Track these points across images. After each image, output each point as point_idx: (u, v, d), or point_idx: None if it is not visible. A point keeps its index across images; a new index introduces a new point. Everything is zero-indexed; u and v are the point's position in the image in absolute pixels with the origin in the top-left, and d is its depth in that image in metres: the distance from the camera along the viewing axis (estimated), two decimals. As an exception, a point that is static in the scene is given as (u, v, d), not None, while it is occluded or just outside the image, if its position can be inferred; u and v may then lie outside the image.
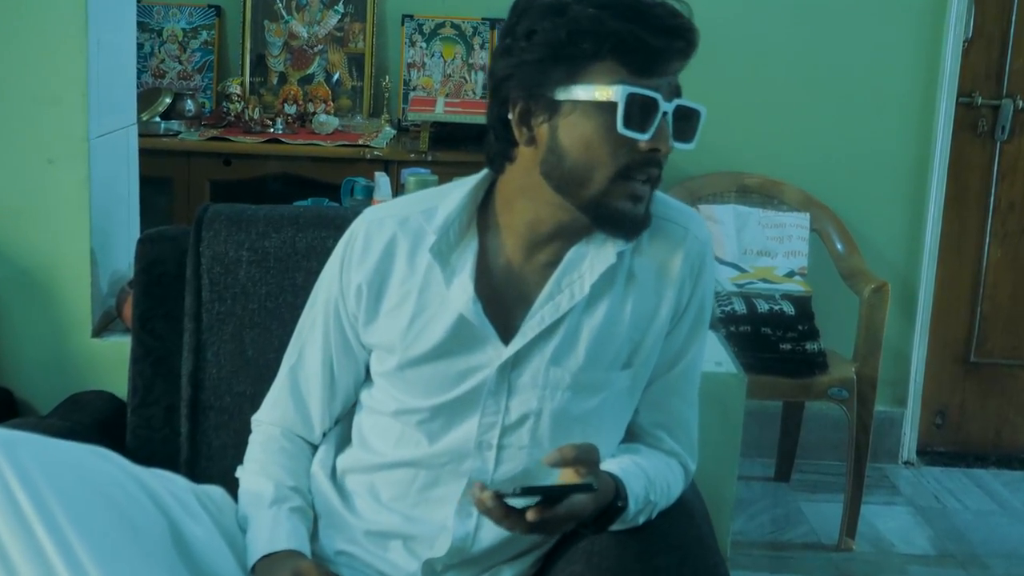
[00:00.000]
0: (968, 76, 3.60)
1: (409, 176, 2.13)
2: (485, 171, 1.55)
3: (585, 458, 1.37)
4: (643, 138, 1.39)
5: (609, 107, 1.38)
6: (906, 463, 3.74)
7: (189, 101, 3.26)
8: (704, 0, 3.64)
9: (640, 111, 1.38)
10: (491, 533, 1.51)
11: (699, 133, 1.45)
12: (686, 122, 1.43)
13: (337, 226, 1.85)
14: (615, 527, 1.46)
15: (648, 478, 1.49)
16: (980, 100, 3.62)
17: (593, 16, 1.37)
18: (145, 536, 1.37)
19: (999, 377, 3.80)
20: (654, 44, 1.37)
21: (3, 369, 2.12)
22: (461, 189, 1.54)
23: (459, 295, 1.49)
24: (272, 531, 1.52)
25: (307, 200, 2.22)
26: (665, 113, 1.39)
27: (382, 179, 2.15)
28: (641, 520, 1.49)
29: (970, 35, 3.57)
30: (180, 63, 3.45)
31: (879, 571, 3.03)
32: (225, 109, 3.30)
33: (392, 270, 1.54)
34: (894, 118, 3.60)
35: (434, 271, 1.51)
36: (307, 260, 1.84)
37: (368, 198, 2.21)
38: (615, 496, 1.42)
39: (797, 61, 3.55)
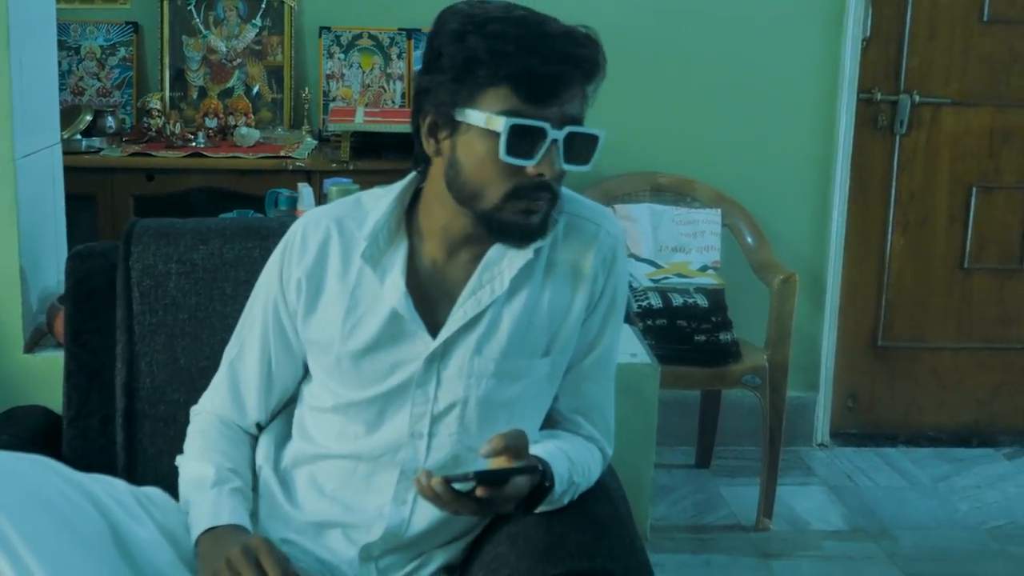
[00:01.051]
0: (868, 74, 3.73)
1: (331, 186, 2.22)
2: (411, 176, 1.65)
3: (514, 444, 1.47)
4: (529, 164, 1.49)
5: (495, 135, 1.48)
6: (820, 445, 3.87)
7: (110, 118, 3.29)
8: (616, 8, 3.78)
9: (525, 139, 1.48)
10: (424, 519, 1.61)
11: (596, 155, 1.53)
12: (582, 146, 1.52)
13: (263, 236, 1.93)
14: (542, 507, 1.56)
15: (571, 460, 1.59)
16: (879, 96, 3.76)
17: (488, 47, 1.47)
18: (87, 540, 1.44)
19: (905, 360, 3.95)
20: (546, 75, 1.47)
21: (-63, 387, 2.15)
22: (390, 194, 1.65)
23: (391, 292, 1.60)
24: (214, 508, 1.61)
25: (232, 212, 2.29)
26: (555, 140, 1.49)
27: (305, 190, 2.23)
28: (566, 500, 1.59)
29: (868, 35, 3.70)
30: (99, 80, 3.48)
31: (795, 548, 3.18)
32: (146, 125, 3.34)
33: (328, 265, 1.64)
34: (799, 116, 3.72)
35: (367, 270, 1.61)
36: (235, 270, 1.91)
37: (292, 208, 2.28)
38: (542, 477, 1.52)
39: (706, 64, 3.66)
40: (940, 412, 3.99)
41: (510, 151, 1.47)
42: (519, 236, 1.56)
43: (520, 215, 1.53)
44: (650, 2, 3.61)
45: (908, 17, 3.74)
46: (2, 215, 2.10)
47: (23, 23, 2.13)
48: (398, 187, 1.65)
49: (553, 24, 1.50)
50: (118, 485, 1.60)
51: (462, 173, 1.53)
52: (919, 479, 3.66)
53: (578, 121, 1.52)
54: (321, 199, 2.29)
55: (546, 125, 1.48)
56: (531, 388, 1.63)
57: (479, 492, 1.42)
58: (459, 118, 1.51)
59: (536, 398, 1.66)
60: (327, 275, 1.64)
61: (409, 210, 1.65)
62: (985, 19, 3.75)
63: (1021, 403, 4.00)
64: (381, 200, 1.65)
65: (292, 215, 2.26)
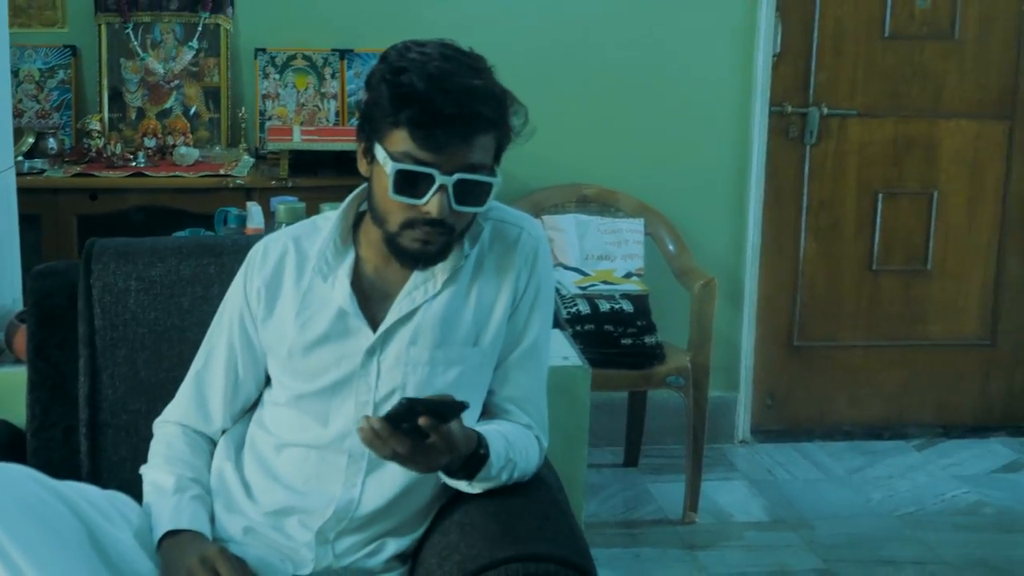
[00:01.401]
0: (779, 88, 3.89)
1: (279, 204, 2.33)
2: (355, 192, 1.83)
3: None
4: (418, 203, 1.66)
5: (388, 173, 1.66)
6: (741, 442, 4.03)
7: (51, 139, 3.35)
8: (540, 27, 3.91)
9: (412, 182, 1.65)
10: (373, 500, 1.76)
11: (491, 197, 1.70)
12: (474, 190, 1.68)
13: (216, 254, 2.05)
14: (482, 479, 1.71)
15: (507, 440, 1.75)
16: (790, 109, 3.92)
17: (392, 94, 1.65)
18: (67, 541, 1.56)
19: (820, 359, 4.11)
20: (438, 126, 1.63)
21: (-102, 405, 2.22)
22: (337, 212, 1.83)
23: (339, 294, 1.78)
24: (175, 513, 1.74)
25: (185, 231, 2.39)
26: (443, 185, 1.65)
27: (254, 208, 2.34)
28: (504, 477, 1.74)
29: (778, 51, 3.87)
30: (38, 102, 3.53)
31: (720, 539, 3.33)
32: (86, 145, 3.40)
33: (284, 275, 1.82)
34: (715, 128, 3.88)
35: (318, 279, 1.80)
36: (191, 286, 2.03)
37: (241, 226, 2.39)
38: (477, 445, 1.68)
39: (627, 81, 3.81)
40: (853, 407, 4.15)
41: (397, 191, 1.66)
42: (414, 261, 1.75)
43: (417, 243, 1.71)
44: (573, 23, 3.75)
45: (815, 34, 3.91)
46: (-37, 238, 2.19)
47: (-23, 52, 2.21)
48: (343, 205, 1.84)
49: (459, 79, 1.64)
50: (91, 490, 1.71)
51: (374, 198, 1.73)
52: (834, 471, 3.83)
53: (474, 168, 1.67)
54: (269, 217, 2.41)
55: (434, 171, 1.65)
56: (464, 376, 1.79)
57: (422, 420, 1.55)
58: (374, 151, 1.70)
59: (470, 386, 1.81)
60: (283, 283, 1.82)
61: (359, 220, 1.83)
62: (886, 35, 3.94)
63: (928, 397, 4.18)
64: (329, 220, 1.83)
65: (242, 232, 2.37)
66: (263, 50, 3.65)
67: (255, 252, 1.86)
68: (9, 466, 1.62)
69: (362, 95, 1.74)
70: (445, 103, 1.62)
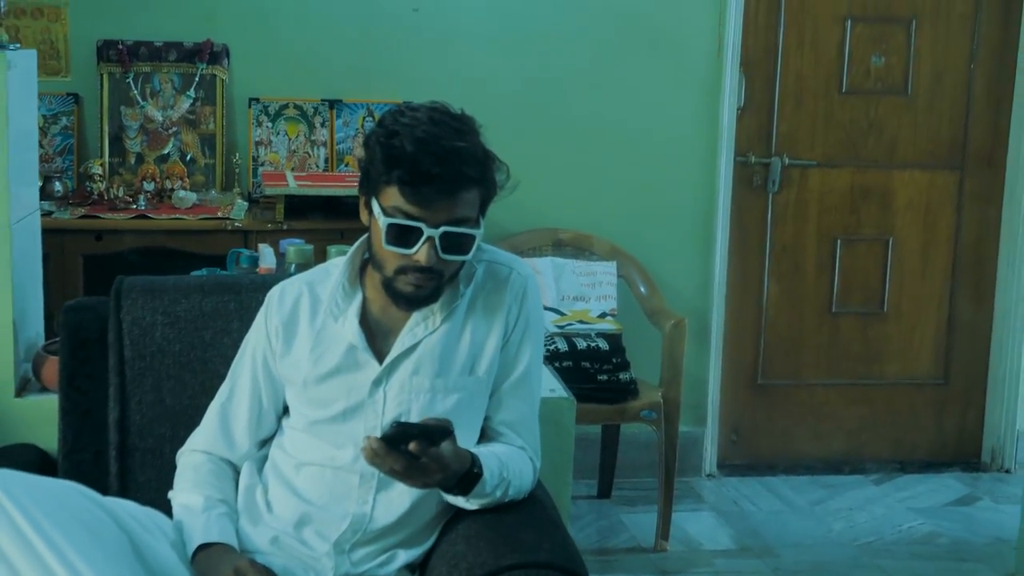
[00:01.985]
0: (743, 138, 4.07)
1: (288, 246, 2.51)
2: (361, 239, 2.01)
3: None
4: (408, 252, 1.85)
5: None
6: (708, 475, 4.17)
7: (57, 183, 3.50)
8: (520, 80, 4.09)
9: (402, 234, 1.84)
10: (383, 516, 1.94)
11: (475, 248, 1.89)
12: (459, 241, 1.86)
13: (236, 291, 2.22)
14: (477, 496, 1.87)
15: (501, 460, 1.92)
16: (753, 159, 4.10)
17: (384, 155, 1.84)
18: (114, 550, 1.72)
19: (782, 396, 4.27)
20: (424, 185, 1.82)
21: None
22: (344, 259, 2.02)
23: (349, 331, 1.97)
24: (206, 527, 1.91)
25: (202, 270, 2.55)
26: (431, 237, 1.83)
27: (266, 250, 2.52)
28: (499, 494, 1.91)
29: (742, 104, 4.06)
30: (42, 147, 3.66)
31: (690, 566, 3.49)
32: (88, 189, 3.55)
33: (300, 316, 2.00)
34: (684, 176, 4.06)
35: (330, 319, 1.98)
36: (213, 320, 2.19)
37: (254, 266, 2.56)
38: (472, 464, 1.85)
39: (600, 132, 3.99)
40: (815, 443, 4.30)
41: (389, 242, 1.85)
42: (407, 303, 1.93)
43: (410, 287, 1.89)
44: (550, 78, 3.94)
45: (777, 89, 4.11)
46: (0, 274, 2.34)
47: (16, 96, 2.35)
48: (350, 252, 2.03)
49: (445, 142, 1.82)
50: (131, 505, 1.88)
51: (372, 247, 1.92)
52: (797, 503, 3.99)
53: (459, 221, 1.85)
54: (279, 258, 2.58)
55: (422, 225, 1.83)
56: (463, 402, 1.97)
57: (412, 446, 1.72)
58: (371, 205, 1.89)
59: (468, 411, 1.99)
60: (299, 323, 2.01)
61: (365, 265, 2.01)
62: (843, 91, 4.15)
63: (886, 434, 4.35)
64: (338, 267, 2.02)
65: (254, 271, 2.55)
66: (257, 99, 3.81)
67: (272, 295, 2.04)
68: (58, 481, 1.79)
69: (361, 154, 1.93)
70: (431, 163, 1.80)
